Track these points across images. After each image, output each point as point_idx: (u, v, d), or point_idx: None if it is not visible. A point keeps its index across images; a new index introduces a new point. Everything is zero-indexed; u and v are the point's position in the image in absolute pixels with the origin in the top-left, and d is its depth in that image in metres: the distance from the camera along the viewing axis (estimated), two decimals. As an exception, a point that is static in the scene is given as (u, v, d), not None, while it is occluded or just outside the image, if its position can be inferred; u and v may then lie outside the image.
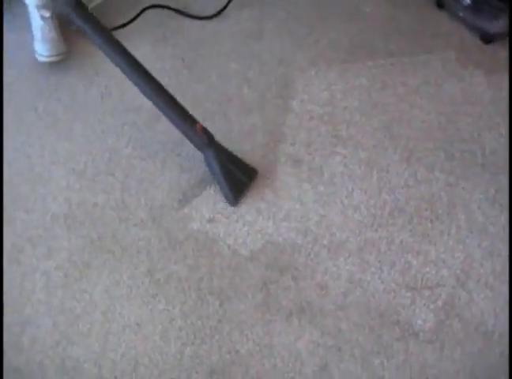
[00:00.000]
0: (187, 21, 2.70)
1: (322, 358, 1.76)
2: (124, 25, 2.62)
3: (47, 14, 2.49)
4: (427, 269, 1.90)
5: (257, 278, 1.91)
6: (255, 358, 1.77)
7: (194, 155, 2.11)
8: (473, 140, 2.21)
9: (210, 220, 2.04)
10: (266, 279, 1.90)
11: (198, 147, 2.06)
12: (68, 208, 2.10)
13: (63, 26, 2.53)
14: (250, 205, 2.05)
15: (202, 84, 2.46)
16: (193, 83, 2.46)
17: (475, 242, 1.96)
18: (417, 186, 2.09)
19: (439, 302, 1.84)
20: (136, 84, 2.00)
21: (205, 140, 2.03)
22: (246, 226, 2.00)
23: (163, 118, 2.03)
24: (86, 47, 2.56)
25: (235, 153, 2.07)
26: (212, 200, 2.04)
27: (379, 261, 1.92)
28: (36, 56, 2.52)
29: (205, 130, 2.03)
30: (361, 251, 1.95)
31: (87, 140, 2.29)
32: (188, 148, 2.11)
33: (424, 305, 1.83)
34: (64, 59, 2.53)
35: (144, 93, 2.01)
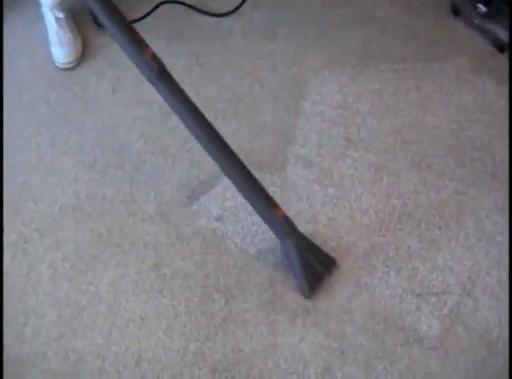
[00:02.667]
0: (201, 18, 2.70)
1: (326, 361, 1.75)
2: (138, 20, 2.62)
3: (61, 15, 2.50)
4: (434, 276, 1.90)
5: (263, 277, 1.91)
6: (259, 357, 1.76)
7: (205, 152, 2.10)
8: (484, 148, 2.20)
9: (218, 218, 2.04)
10: (272, 279, 1.90)
11: (277, 233, 1.90)
12: (76, 200, 2.11)
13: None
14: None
15: (215, 81, 2.45)
16: (206, 80, 2.46)
17: (482, 250, 1.96)
18: (426, 193, 2.08)
19: (445, 310, 1.83)
20: (216, 160, 1.85)
21: (286, 227, 1.88)
22: (254, 225, 2.00)
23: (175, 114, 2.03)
24: (100, 40, 2.57)
25: (313, 242, 1.94)
26: (220, 198, 2.03)
27: (386, 266, 1.92)
28: (55, 63, 2.53)
29: (285, 217, 1.88)
30: (368, 255, 1.95)
31: (98, 132, 2.29)
32: (199, 144, 2.10)
33: (430, 311, 1.83)
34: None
35: (222, 166, 1.86)
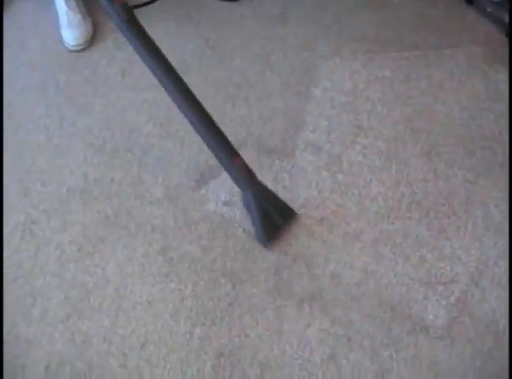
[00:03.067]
0: (212, 2, 2.69)
1: (331, 348, 1.75)
2: (149, 3, 2.61)
3: None
4: (442, 265, 1.89)
5: (270, 263, 1.90)
6: (264, 342, 1.76)
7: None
8: (494, 137, 2.19)
9: (226, 202, 2.03)
10: (279, 265, 1.90)
11: (236, 183, 1.96)
12: (84, 182, 2.10)
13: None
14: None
15: (225, 66, 2.45)
16: (216, 64, 2.45)
17: (491, 240, 1.95)
18: (436, 181, 2.07)
19: (452, 299, 1.83)
20: (177, 104, 1.90)
21: (246, 178, 1.94)
22: (262, 210, 2.00)
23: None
24: (110, 23, 2.54)
25: (273, 192, 1.98)
26: (229, 183, 2.03)
27: (394, 254, 1.91)
28: (65, 44, 2.52)
29: (245, 166, 1.93)
30: (376, 242, 1.94)
31: (106, 115, 2.29)
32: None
33: (437, 300, 1.82)
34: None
35: (183, 112, 1.90)
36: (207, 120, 1.89)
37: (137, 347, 1.78)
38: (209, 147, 1.91)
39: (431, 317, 1.79)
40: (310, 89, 2.34)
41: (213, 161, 2.03)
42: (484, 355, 1.74)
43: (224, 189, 2.06)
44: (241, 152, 1.93)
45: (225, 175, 1.99)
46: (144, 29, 1.83)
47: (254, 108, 2.29)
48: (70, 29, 2.51)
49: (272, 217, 1.94)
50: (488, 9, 2.55)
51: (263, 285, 1.86)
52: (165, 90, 1.87)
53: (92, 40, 2.54)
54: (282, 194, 2.00)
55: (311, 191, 2.05)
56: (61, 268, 1.93)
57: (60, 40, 2.54)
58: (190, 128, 2.12)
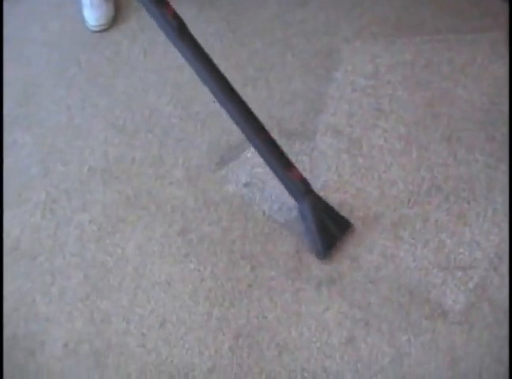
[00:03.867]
0: (234, -16, 2.68)
1: (349, 331, 1.75)
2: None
3: None
4: (461, 250, 1.88)
5: (289, 245, 1.91)
6: (282, 324, 1.77)
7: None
8: (515, 123, 2.18)
9: (247, 184, 2.04)
10: (299, 248, 1.90)
11: (292, 194, 1.90)
12: (105, 162, 2.11)
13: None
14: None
15: (246, 48, 2.44)
16: (237, 47, 2.45)
17: (509, 226, 1.94)
18: (456, 166, 2.06)
19: (471, 284, 1.82)
20: (231, 115, 1.86)
21: (302, 189, 1.88)
22: (282, 193, 1.99)
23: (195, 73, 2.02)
24: (132, 3, 2.56)
25: (330, 204, 1.93)
26: (249, 164, 2.03)
27: (413, 238, 1.91)
28: (87, 25, 2.53)
29: (301, 178, 1.89)
30: (395, 227, 1.94)
31: (128, 96, 2.30)
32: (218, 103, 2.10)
33: (455, 285, 1.82)
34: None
35: (236, 122, 1.87)
36: (261, 131, 1.86)
37: (155, 326, 1.79)
38: (264, 158, 1.88)
39: (449, 302, 1.79)
40: (331, 72, 2.33)
41: (233, 142, 2.04)
42: (502, 341, 1.73)
43: (244, 170, 2.06)
44: (261, 134, 1.94)
45: (245, 156, 2.00)
46: (195, 39, 1.80)
47: (275, 91, 2.29)
48: (92, 9, 2.51)
49: (329, 228, 1.89)
50: (511, -5, 2.54)
51: (282, 268, 1.87)
52: (220, 104, 1.85)
53: (114, 21, 2.54)
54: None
55: (331, 174, 2.05)
56: (81, 248, 1.94)
57: (82, 21, 2.54)
58: (211, 109, 2.14)
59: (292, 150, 2.08)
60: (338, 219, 1.93)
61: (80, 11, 2.54)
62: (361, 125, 2.17)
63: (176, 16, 1.79)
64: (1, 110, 2.30)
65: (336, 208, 1.92)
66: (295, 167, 1.87)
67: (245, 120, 1.85)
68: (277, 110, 2.21)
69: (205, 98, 2.18)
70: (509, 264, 1.86)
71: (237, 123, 1.86)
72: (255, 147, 1.88)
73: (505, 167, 2.05)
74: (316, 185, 2.00)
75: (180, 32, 1.80)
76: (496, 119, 2.19)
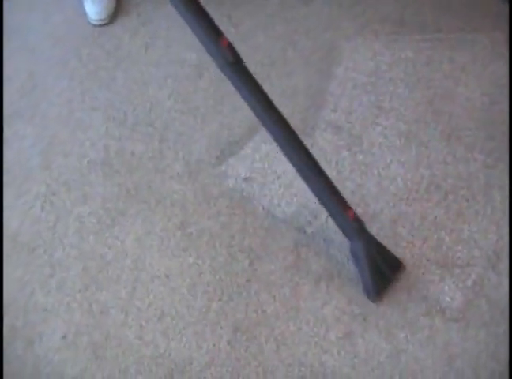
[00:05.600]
0: (235, -20, 2.68)
1: (347, 326, 1.76)
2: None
3: None
4: (459, 248, 1.89)
5: (288, 240, 1.91)
6: (281, 319, 1.77)
7: (235, 114, 2.11)
8: (515, 122, 2.19)
9: (246, 179, 2.04)
10: (298, 242, 1.91)
11: (347, 234, 1.83)
12: (105, 155, 2.12)
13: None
14: (287, 168, 2.04)
15: (247, 43, 2.44)
16: (238, 42, 2.38)
17: (509, 225, 1.94)
18: (455, 164, 2.07)
19: (468, 282, 1.83)
20: (282, 149, 1.77)
21: (356, 228, 1.81)
22: (281, 188, 2.00)
23: (206, 74, 2.02)
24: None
25: (382, 243, 1.86)
26: (249, 159, 2.03)
27: (412, 235, 1.91)
28: (88, 19, 2.53)
29: (356, 217, 1.81)
30: (394, 223, 1.94)
31: (128, 89, 2.30)
32: (229, 105, 2.10)
33: (453, 283, 1.82)
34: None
35: (290, 158, 1.77)
36: (317, 168, 1.78)
37: (153, 319, 1.79)
38: (320, 196, 1.80)
39: (447, 299, 1.80)
40: (332, 69, 2.34)
41: (234, 138, 2.04)
42: (499, 339, 1.74)
43: (244, 165, 2.06)
44: (261, 130, 1.94)
45: (245, 152, 2.00)
46: (251, 74, 1.73)
47: (276, 86, 2.29)
48: (93, 4, 2.51)
49: (382, 269, 1.84)
50: (512, -5, 2.54)
51: (281, 262, 1.87)
52: (279, 146, 1.76)
53: (115, 15, 2.54)
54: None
55: (331, 171, 2.05)
56: (80, 240, 1.95)
57: (83, 14, 2.55)
58: (211, 104, 2.14)
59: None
60: (390, 260, 1.87)
61: (81, 5, 2.54)
62: (361, 121, 2.17)
63: (231, 49, 1.71)
64: (1, 104, 2.30)
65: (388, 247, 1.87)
66: (349, 207, 1.81)
67: (298, 154, 1.76)
68: (278, 105, 2.19)
69: (205, 92, 2.20)
70: (508, 263, 1.86)
71: (286, 155, 1.77)
72: (309, 185, 1.80)
73: (504, 166, 2.06)
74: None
75: (235, 67, 1.72)
76: (496, 118, 2.19)
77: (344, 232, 1.83)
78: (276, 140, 1.75)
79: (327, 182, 1.78)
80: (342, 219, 1.80)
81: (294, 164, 1.77)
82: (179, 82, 2.30)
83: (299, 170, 1.78)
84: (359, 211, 1.94)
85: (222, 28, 2.38)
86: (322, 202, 1.80)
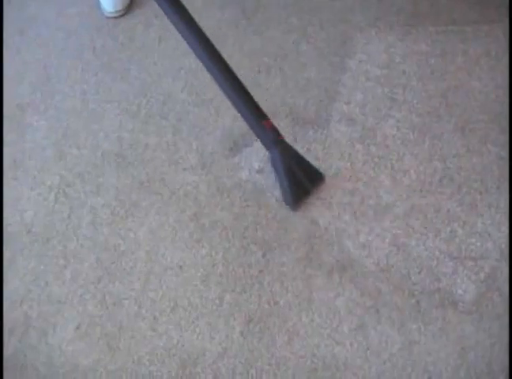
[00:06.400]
0: (249, -29, 2.68)
1: (360, 318, 1.76)
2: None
3: None
4: (473, 240, 1.89)
5: (301, 232, 1.91)
6: (293, 310, 1.78)
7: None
8: (529, 115, 2.18)
9: (259, 171, 2.04)
10: (311, 234, 1.91)
11: (264, 144, 1.96)
12: (119, 147, 2.12)
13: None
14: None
15: (260, 36, 2.44)
16: (252, 34, 2.44)
17: (523, 217, 1.94)
18: (469, 157, 2.06)
19: (481, 274, 1.83)
20: (207, 68, 1.92)
21: (273, 137, 1.94)
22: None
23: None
24: (147, -11, 2.56)
25: (302, 155, 1.98)
26: (262, 151, 2.03)
27: (425, 228, 1.91)
28: (103, 11, 2.53)
29: (273, 128, 1.94)
30: (407, 216, 1.94)
31: (142, 81, 2.30)
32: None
33: (466, 275, 1.82)
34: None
35: (215, 77, 1.92)
36: (236, 82, 1.91)
37: (166, 310, 1.80)
38: (237, 108, 1.93)
39: (460, 291, 1.80)
40: (346, 61, 2.33)
41: (247, 130, 2.04)
42: (512, 331, 1.74)
43: (258, 157, 2.07)
44: (275, 122, 1.95)
45: (259, 143, 2.00)
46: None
47: (289, 78, 2.29)
48: None
49: (301, 180, 1.94)
50: (528, -14, 2.52)
51: (294, 254, 1.87)
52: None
53: (129, 7, 2.54)
54: (315, 165, 2.00)
55: (344, 162, 2.05)
56: (94, 231, 1.96)
57: (97, 6, 2.55)
58: (225, 96, 2.13)
59: (305, 138, 2.08)
60: (310, 171, 1.97)
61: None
62: (374, 114, 2.17)
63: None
64: (1, 102, 2.32)
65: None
66: (268, 119, 1.92)
67: (219, 70, 1.90)
68: (291, 98, 2.22)
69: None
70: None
71: (211, 74, 1.91)
72: (229, 97, 1.92)
73: (517, 159, 2.05)
74: (329, 173, 2.00)
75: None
76: (510, 111, 2.18)
77: (262, 142, 1.95)
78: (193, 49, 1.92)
79: (245, 94, 1.91)
80: (259, 129, 1.93)
81: (213, 78, 1.92)
82: (193, 74, 2.30)
83: (218, 83, 1.91)
84: (371, 202, 1.95)
85: (235, 19, 2.40)
86: (241, 113, 1.93)
